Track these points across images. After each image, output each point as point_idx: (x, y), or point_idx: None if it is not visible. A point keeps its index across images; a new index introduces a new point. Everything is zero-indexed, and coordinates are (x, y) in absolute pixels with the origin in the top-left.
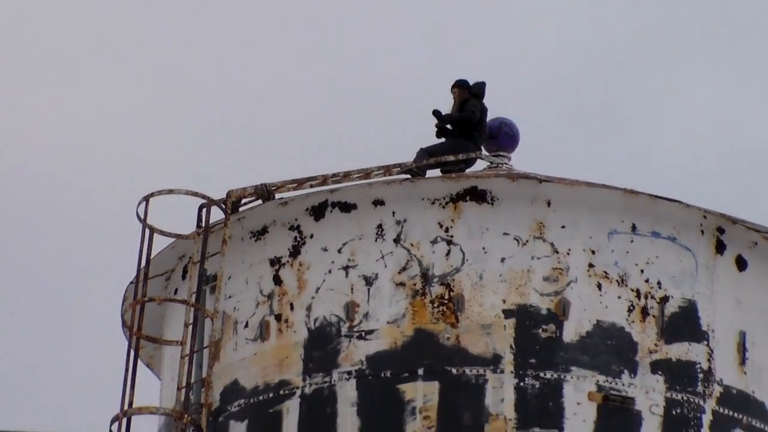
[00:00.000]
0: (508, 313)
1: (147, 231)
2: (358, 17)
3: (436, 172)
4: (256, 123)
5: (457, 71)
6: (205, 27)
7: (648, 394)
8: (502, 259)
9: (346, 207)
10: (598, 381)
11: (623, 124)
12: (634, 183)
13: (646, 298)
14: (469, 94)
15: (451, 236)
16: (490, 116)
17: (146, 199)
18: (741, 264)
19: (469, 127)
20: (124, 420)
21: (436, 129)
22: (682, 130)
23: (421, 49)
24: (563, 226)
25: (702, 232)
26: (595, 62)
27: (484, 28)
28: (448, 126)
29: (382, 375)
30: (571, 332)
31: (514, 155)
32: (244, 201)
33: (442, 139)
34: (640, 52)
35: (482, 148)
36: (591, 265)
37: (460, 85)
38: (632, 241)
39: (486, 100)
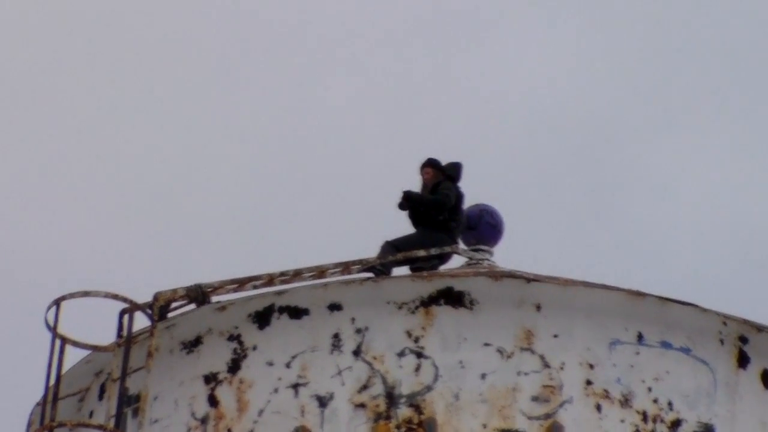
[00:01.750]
0: None
1: (57, 341)
2: (312, 89)
3: (404, 270)
4: (189, 213)
5: (424, 151)
6: (135, 119)
7: None
8: (483, 375)
9: (296, 312)
10: None
11: (619, 204)
12: (637, 280)
13: (654, 421)
14: (443, 176)
15: (422, 347)
16: (467, 203)
17: (57, 302)
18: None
19: (443, 215)
20: None
21: (404, 210)
22: (689, 211)
23: (385, 126)
24: (556, 335)
25: (721, 341)
26: (580, 135)
27: (454, 101)
28: (419, 209)
29: None
30: None
31: (497, 249)
32: (173, 305)
33: (411, 230)
34: (628, 122)
35: (459, 240)
36: (589, 382)
37: (431, 164)
38: (638, 353)
39: (462, 184)
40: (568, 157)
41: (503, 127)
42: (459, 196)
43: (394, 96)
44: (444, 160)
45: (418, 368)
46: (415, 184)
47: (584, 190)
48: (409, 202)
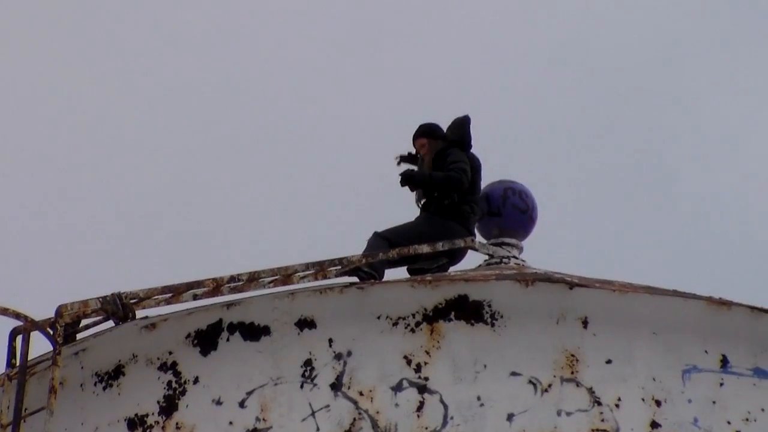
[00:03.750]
0: None
1: None
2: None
3: (401, 273)
4: (109, 203)
5: (416, 110)
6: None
7: None
8: (510, 417)
9: (253, 332)
10: None
11: (684, 178)
12: (713, 284)
13: None
14: (447, 143)
15: (425, 379)
16: (485, 179)
17: None
18: None
19: (452, 197)
20: None
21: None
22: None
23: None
24: (609, 361)
25: None
26: (623, 83)
27: (451, 37)
28: (429, 192)
29: None
30: None
31: (529, 243)
32: (84, 323)
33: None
34: (676, 66)
35: (476, 231)
36: (655, 425)
37: (425, 133)
38: (722, 384)
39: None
40: (610, 113)
41: (520, 73)
42: (476, 169)
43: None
44: (445, 122)
45: (420, 407)
46: (406, 148)
47: (634, 159)
48: (411, 184)
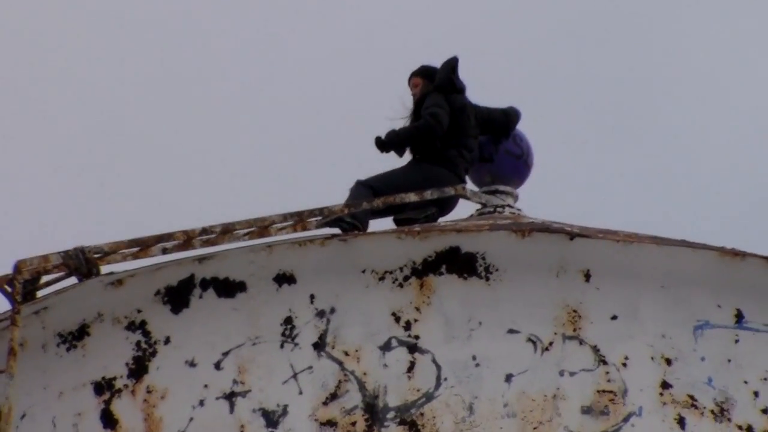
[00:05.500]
0: None
1: None
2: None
3: (387, 224)
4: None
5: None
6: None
7: None
8: (508, 377)
9: (228, 287)
10: None
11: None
12: (726, 234)
13: None
14: (433, 87)
15: (416, 337)
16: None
17: None
18: None
19: (437, 142)
20: None
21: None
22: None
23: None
24: (615, 317)
25: None
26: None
27: None
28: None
29: None
30: None
31: (525, 191)
32: (45, 280)
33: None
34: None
35: (467, 178)
36: (666, 385)
37: (420, 73)
38: (737, 341)
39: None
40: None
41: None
42: (460, 110)
43: None
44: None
45: (411, 367)
46: (400, 99)
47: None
48: (384, 148)
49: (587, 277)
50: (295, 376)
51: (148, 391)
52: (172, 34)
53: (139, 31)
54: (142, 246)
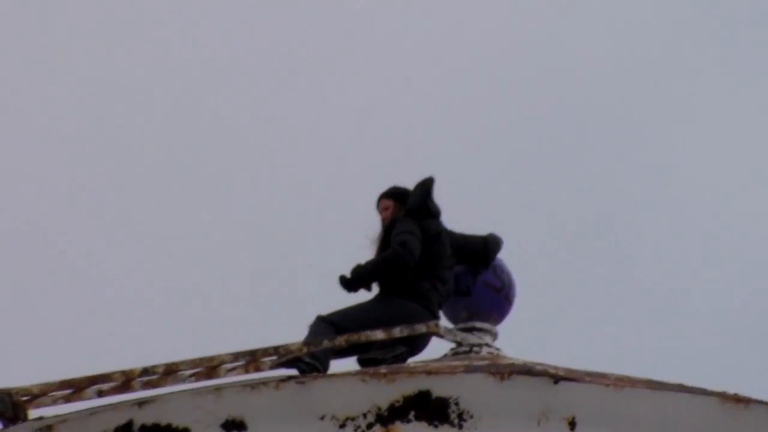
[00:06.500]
0: None
1: None
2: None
3: (350, 365)
4: None
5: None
6: None
7: None
8: None
9: None
10: None
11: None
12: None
13: None
14: (405, 210)
15: None
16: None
17: None
18: None
19: (408, 275)
20: None
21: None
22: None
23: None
24: None
25: None
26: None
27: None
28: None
29: None
30: None
31: (504, 328)
32: None
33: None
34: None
35: (440, 314)
36: None
37: (391, 195)
38: None
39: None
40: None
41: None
42: (435, 237)
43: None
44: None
45: None
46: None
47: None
48: (351, 287)
49: (572, 425)
50: None
51: None
52: None
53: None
54: (75, 388)
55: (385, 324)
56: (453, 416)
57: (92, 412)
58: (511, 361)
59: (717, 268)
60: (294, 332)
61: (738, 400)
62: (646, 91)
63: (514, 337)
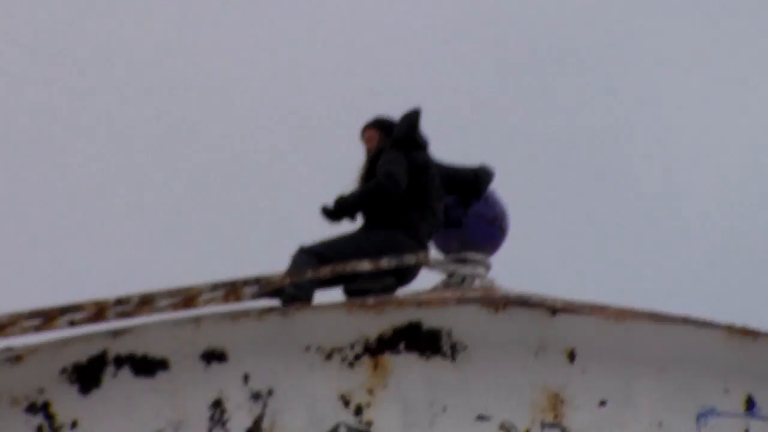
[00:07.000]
0: None
1: None
2: None
3: (336, 296)
4: None
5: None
6: None
7: None
8: None
9: (147, 366)
10: None
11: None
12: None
13: None
14: (390, 141)
15: (368, 424)
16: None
17: None
18: None
19: (394, 205)
20: None
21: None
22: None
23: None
24: (603, 402)
25: None
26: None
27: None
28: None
29: None
30: None
31: (498, 259)
32: None
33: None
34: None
35: (430, 244)
36: None
37: (378, 124)
38: (747, 431)
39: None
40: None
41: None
42: (422, 168)
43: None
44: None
45: None
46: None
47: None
48: (334, 216)
49: (571, 357)
50: None
51: None
52: None
53: None
54: (46, 318)
55: (371, 254)
56: (445, 348)
57: (64, 342)
58: (506, 292)
59: (718, 192)
60: (277, 266)
61: (746, 332)
62: (638, 11)
63: (509, 269)
